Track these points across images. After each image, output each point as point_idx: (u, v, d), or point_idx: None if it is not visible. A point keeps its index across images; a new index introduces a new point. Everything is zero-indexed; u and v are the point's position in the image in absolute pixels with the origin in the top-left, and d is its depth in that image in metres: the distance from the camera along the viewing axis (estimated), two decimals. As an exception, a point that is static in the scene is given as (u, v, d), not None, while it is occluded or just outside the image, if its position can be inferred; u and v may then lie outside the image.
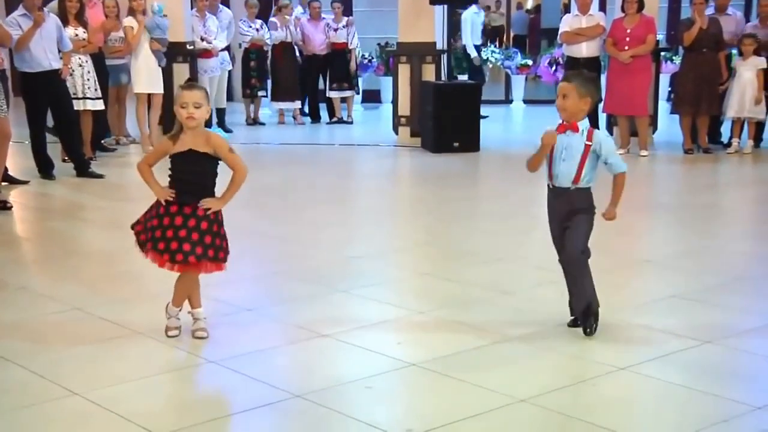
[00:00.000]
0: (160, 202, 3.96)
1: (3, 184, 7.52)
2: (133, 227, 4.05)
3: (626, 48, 9.82)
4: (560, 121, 4.04)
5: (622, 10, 10.03)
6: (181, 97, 3.89)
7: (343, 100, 13.38)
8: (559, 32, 10.57)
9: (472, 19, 13.72)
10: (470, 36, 13.72)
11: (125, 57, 10.34)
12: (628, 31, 9.86)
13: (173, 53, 10.77)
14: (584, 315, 4.08)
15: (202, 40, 11.56)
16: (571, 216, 4.06)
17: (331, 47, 13.19)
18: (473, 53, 13.75)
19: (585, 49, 10.23)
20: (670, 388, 3.56)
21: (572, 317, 4.18)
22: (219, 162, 3.97)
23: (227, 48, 12.45)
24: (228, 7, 12.78)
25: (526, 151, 4.19)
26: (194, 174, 3.94)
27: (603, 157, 4.02)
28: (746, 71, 9.71)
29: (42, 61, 8.24)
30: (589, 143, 3.99)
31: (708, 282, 5.06)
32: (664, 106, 12.10)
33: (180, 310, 4.15)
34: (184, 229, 3.89)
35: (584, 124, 4.06)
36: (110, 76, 10.28)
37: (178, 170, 3.96)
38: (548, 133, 4.00)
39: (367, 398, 3.51)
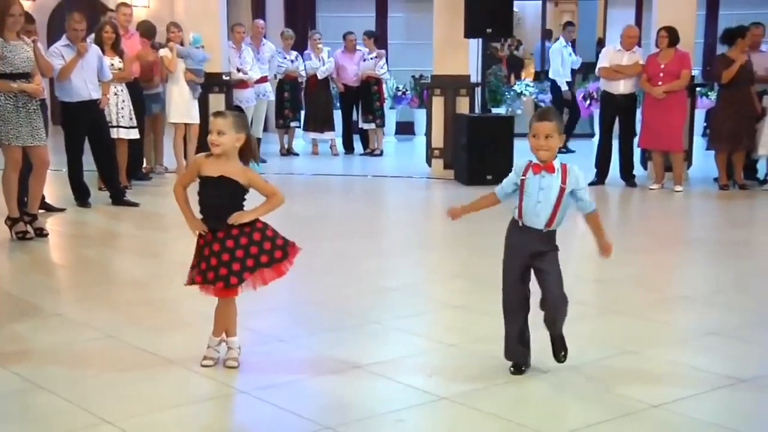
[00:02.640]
0: (198, 237, 4.00)
1: (40, 211, 7.60)
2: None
3: (660, 83, 9.79)
4: (533, 161, 3.88)
5: (657, 45, 10.01)
6: (210, 123, 4.00)
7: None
8: (598, 66, 10.54)
9: (561, 53, 13.67)
10: (561, 69, 13.66)
11: (158, 86, 10.48)
12: (662, 66, 9.83)
13: (209, 84, 10.90)
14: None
15: (239, 71, 11.68)
16: (537, 256, 3.91)
17: (361, 79, 13.29)
18: (563, 87, 13.70)
19: (622, 86, 10.17)
20: (704, 428, 3.51)
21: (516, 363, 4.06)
22: (248, 191, 4.00)
23: (267, 79, 12.54)
24: (265, 38, 12.91)
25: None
26: (223, 199, 3.96)
27: (577, 194, 3.88)
28: (778, 109, 9.67)
29: (82, 91, 8.37)
30: (564, 185, 3.84)
31: (745, 320, 4.99)
32: (699, 142, 12.03)
33: (219, 342, 4.16)
34: (226, 253, 3.92)
35: (558, 162, 3.89)
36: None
37: (207, 195, 3.98)
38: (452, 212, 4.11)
39: (398, 432, 3.49)
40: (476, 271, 6.29)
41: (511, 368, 4.05)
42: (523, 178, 3.90)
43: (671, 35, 9.81)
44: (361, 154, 13.38)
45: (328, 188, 10.60)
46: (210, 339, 4.15)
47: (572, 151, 12.78)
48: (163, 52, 10.38)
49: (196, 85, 10.42)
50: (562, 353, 4.03)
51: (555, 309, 3.95)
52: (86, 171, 8.76)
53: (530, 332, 4.04)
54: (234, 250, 3.92)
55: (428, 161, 11.17)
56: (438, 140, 10.95)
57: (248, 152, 4.01)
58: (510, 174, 4.01)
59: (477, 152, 10.06)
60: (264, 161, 12.01)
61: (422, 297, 5.56)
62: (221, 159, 3.96)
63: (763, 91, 9.95)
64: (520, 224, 3.94)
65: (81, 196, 8.65)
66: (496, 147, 10.06)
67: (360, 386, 3.94)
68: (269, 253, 3.97)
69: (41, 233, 7.21)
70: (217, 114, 4.01)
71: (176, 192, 4.08)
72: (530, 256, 3.92)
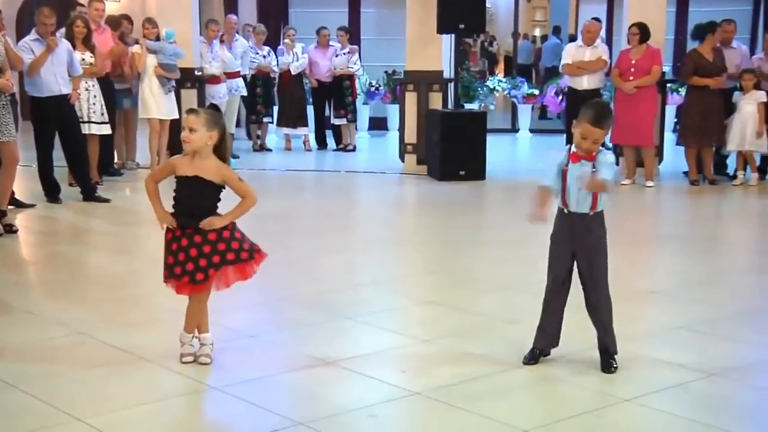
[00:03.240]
0: (166, 232, 3.98)
1: (10, 207, 7.53)
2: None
3: (631, 78, 9.85)
4: (573, 150, 3.97)
5: (628, 42, 10.07)
6: (183, 120, 4.03)
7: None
8: (561, 63, 10.57)
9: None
10: None
11: (129, 81, 10.41)
12: (633, 62, 9.89)
13: (181, 79, 10.82)
14: (608, 353, 4.08)
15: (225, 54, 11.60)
16: (588, 244, 4.00)
17: (333, 74, 13.27)
18: None
19: (586, 82, 10.24)
20: (675, 420, 3.54)
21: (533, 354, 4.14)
22: (223, 188, 4.00)
23: (240, 74, 12.47)
24: (238, 33, 12.84)
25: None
26: (197, 199, 3.97)
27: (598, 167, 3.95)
28: (747, 105, 9.75)
29: (52, 85, 8.29)
30: (594, 169, 3.91)
31: (714, 314, 5.04)
32: (670, 137, 12.12)
33: (192, 337, 4.14)
34: (194, 248, 3.92)
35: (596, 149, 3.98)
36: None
37: (181, 194, 3.99)
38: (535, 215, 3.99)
39: (370, 427, 3.50)
40: (449, 267, 6.31)
41: (526, 356, 4.12)
42: (565, 168, 3.98)
43: (642, 32, 9.88)
44: (334, 150, 13.35)
45: (301, 184, 10.58)
46: (182, 335, 4.14)
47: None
48: (135, 48, 10.32)
49: (167, 80, 10.35)
50: (612, 366, 4.03)
51: (602, 303, 4.02)
52: (57, 166, 8.68)
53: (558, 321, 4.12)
54: (202, 245, 3.92)
55: (401, 157, 11.17)
56: (411, 136, 10.95)
57: (222, 149, 4.01)
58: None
59: (450, 148, 10.08)
60: (237, 157, 11.96)
61: (395, 292, 5.56)
62: (195, 158, 3.96)
63: (734, 87, 10.03)
64: (566, 211, 4.02)
65: (51, 192, 8.58)
66: (469, 142, 10.09)
67: (332, 382, 3.94)
68: (236, 251, 3.97)
69: (11, 230, 7.14)
70: (190, 111, 4.03)
71: (147, 185, 4.08)
72: (582, 244, 3.99)
